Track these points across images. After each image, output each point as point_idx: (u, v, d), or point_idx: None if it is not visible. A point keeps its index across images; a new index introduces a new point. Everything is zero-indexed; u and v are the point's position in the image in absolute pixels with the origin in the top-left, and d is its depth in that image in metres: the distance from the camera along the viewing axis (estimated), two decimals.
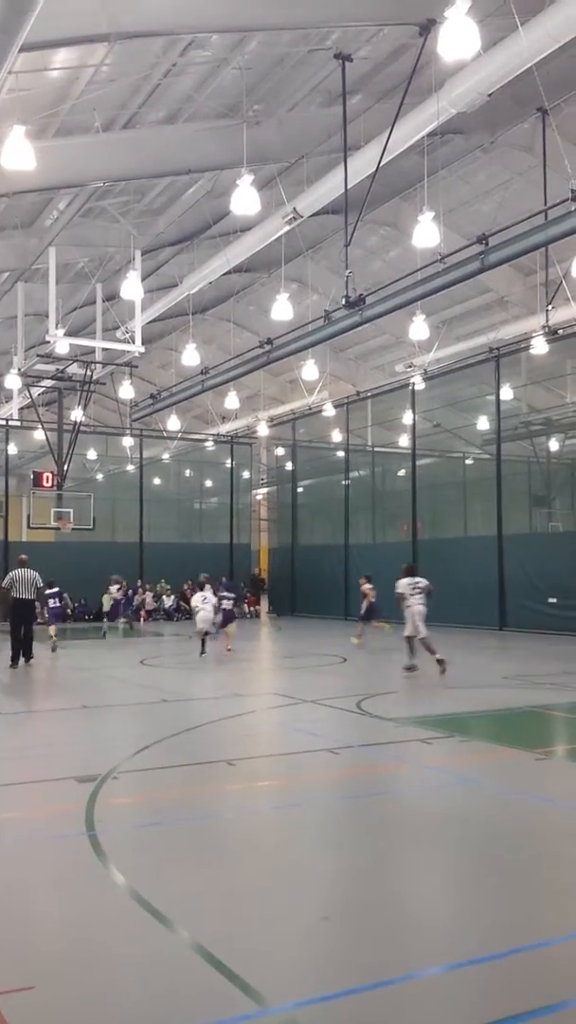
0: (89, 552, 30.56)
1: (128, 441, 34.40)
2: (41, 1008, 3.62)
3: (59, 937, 4.46)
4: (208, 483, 40.47)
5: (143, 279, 21.89)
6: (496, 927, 4.40)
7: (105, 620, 25.26)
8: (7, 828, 6.15)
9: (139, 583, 31.19)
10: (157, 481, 38.23)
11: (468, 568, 25.09)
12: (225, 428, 37.15)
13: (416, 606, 14.77)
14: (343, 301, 17.18)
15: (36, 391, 27.09)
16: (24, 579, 16.74)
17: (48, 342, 22.35)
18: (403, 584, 15.06)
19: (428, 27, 13.65)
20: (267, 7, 13.72)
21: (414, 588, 14.92)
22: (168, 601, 31.70)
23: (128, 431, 33.37)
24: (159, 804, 6.81)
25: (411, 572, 15.47)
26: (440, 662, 14.20)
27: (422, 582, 15.10)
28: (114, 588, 25.34)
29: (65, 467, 26.69)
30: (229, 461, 37.04)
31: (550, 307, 20.41)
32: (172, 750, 8.74)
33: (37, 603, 17.64)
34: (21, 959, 4.08)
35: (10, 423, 31.45)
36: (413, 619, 14.76)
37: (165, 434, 35.57)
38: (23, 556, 17.78)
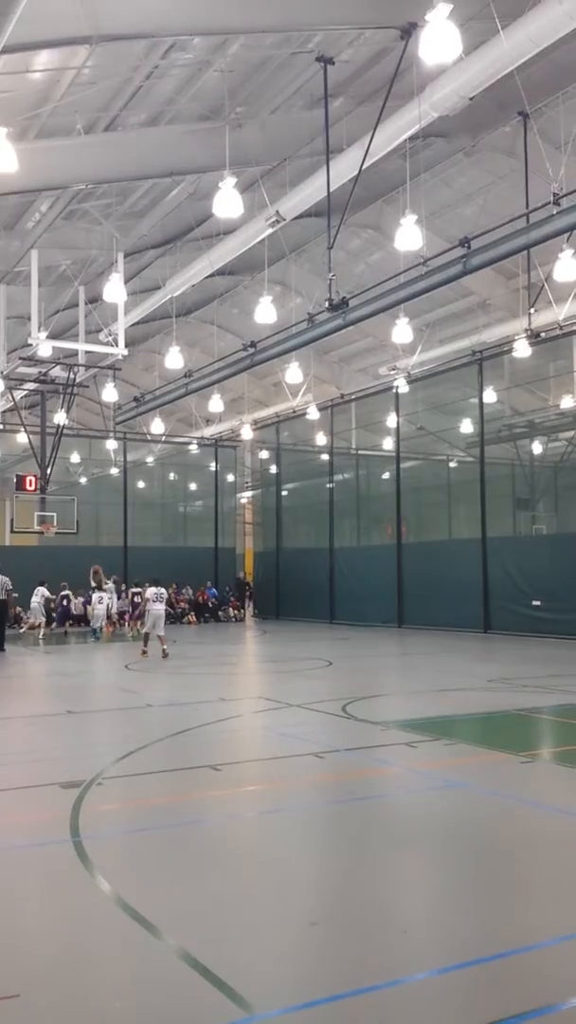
0: (73, 556, 30.42)
1: (112, 444, 34.29)
2: (26, 1016, 3.59)
3: (44, 945, 4.42)
4: (192, 486, 40.40)
5: (126, 281, 21.83)
6: (483, 931, 4.40)
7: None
8: None
9: (123, 586, 31.10)
10: (141, 484, 38.13)
11: (452, 571, 25.18)
12: (209, 431, 37.12)
13: (155, 610, 18.32)
14: (326, 304, 17.20)
15: (19, 394, 26.97)
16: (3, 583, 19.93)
17: (31, 345, 22.26)
18: (150, 592, 18.55)
19: (409, 31, 13.69)
20: (249, 10, 13.71)
21: (158, 596, 18.42)
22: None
23: (112, 434, 33.28)
24: (145, 810, 6.77)
25: (156, 583, 19.02)
26: (164, 653, 18.18)
27: (164, 593, 19.12)
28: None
29: (48, 470, 26.60)
30: (213, 464, 37.01)
31: (532, 310, 20.52)
32: (157, 755, 8.70)
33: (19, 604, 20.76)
34: (6, 967, 4.04)
35: None
36: (153, 620, 18.38)
37: (149, 437, 35.49)
38: None
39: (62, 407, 26.72)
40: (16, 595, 28.73)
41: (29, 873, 5.42)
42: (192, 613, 32.15)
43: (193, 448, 37.86)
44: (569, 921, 4.52)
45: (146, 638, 19.00)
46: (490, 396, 25.97)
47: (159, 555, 33.17)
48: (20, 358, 24.09)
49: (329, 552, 31.14)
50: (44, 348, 22.70)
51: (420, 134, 15.74)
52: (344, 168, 16.37)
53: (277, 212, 18.02)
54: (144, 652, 18.67)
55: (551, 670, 15.55)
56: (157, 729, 9.98)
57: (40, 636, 24.87)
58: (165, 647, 18.45)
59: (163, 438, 35.81)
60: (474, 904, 4.77)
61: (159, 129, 17.63)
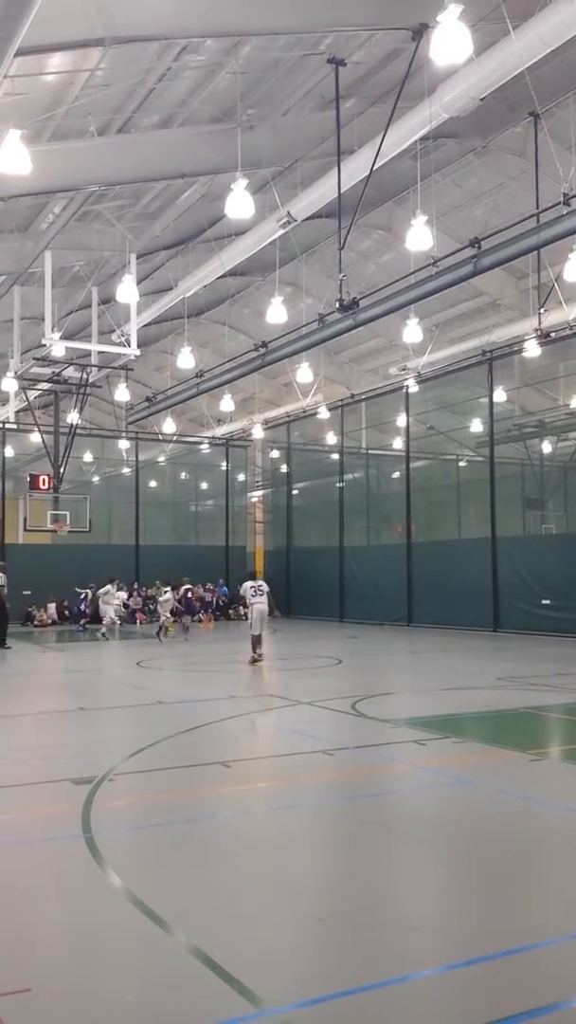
0: (85, 554, 30.59)
1: (124, 444, 34.43)
2: (38, 1010, 3.64)
3: (56, 939, 4.48)
4: (204, 485, 40.50)
5: (138, 283, 21.93)
6: (490, 928, 4.43)
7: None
8: (3, 830, 6.17)
9: (135, 585, 31.26)
10: (153, 484, 38.25)
11: (462, 570, 25.17)
12: (220, 431, 37.22)
13: (257, 605, 16.07)
14: (337, 304, 17.23)
15: (32, 394, 27.12)
16: None
17: (44, 345, 22.37)
18: (248, 587, 16.38)
19: (421, 32, 13.70)
20: (261, 12, 13.76)
21: (258, 590, 16.15)
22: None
23: (124, 434, 33.41)
24: (156, 806, 6.83)
25: (253, 576, 17.02)
26: (259, 657, 15.98)
27: (264, 586, 16.42)
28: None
29: (61, 470, 26.72)
30: (224, 464, 37.09)
31: (542, 310, 20.49)
32: (168, 752, 8.77)
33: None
34: (18, 961, 4.10)
35: (7, 426, 31.53)
36: (259, 617, 16.07)
37: (161, 437, 35.60)
38: (1, 562, 21.55)
39: (75, 407, 26.86)
40: (28, 592, 28.98)
41: (41, 868, 5.48)
42: (204, 612, 32.02)
43: (204, 448, 37.97)
44: None
45: (253, 643, 16.42)
46: (500, 396, 25.95)
47: (171, 553, 33.29)
48: (34, 358, 24.21)
49: (339, 551, 31.17)
50: (57, 348, 22.83)
51: (431, 135, 15.78)
52: (355, 169, 16.40)
53: (288, 213, 18.07)
54: (254, 659, 16.25)
55: (560, 668, 15.55)
56: (168, 726, 10.04)
57: (101, 633, 24.09)
58: (260, 650, 16.16)
59: (175, 438, 35.93)
60: (482, 901, 4.80)
61: (172, 131, 17.71)
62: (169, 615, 23.81)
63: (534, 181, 17.90)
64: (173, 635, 23.40)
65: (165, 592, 23.71)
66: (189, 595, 27.35)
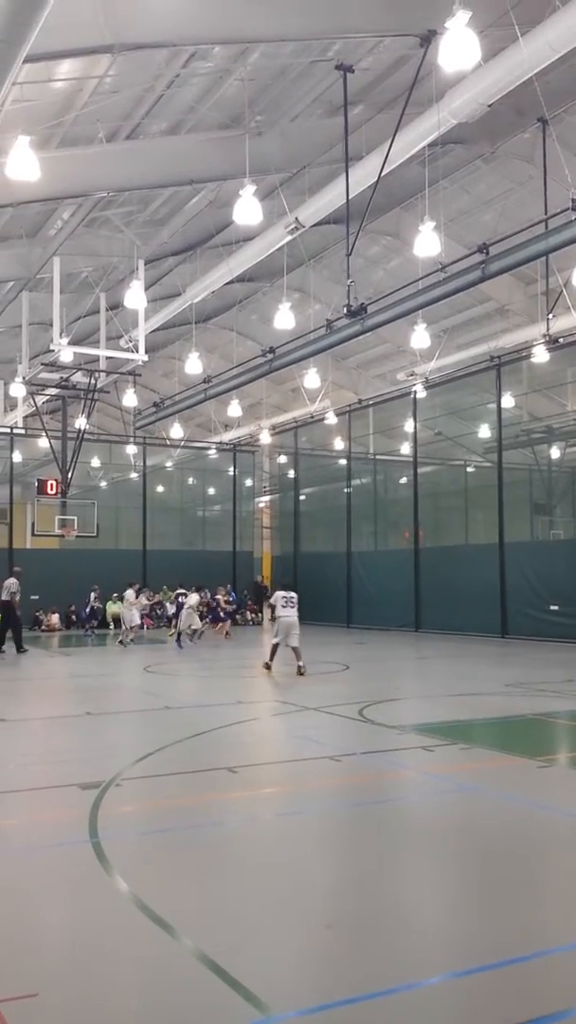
0: (93, 559, 30.64)
1: (131, 449, 34.52)
2: (44, 1015, 3.63)
3: (62, 944, 4.48)
4: (211, 491, 40.53)
5: (146, 288, 22.02)
6: (498, 936, 4.40)
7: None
8: (11, 835, 6.17)
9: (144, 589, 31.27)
10: (160, 489, 38.31)
11: (470, 575, 25.14)
12: (228, 436, 37.27)
13: (285, 617, 15.62)
14: (345, 310, 17.27)
15: (40, 399, 27.22)
16: (6, 585, 20.74)
17: (52, 351, 22.46)
18: (279, 596, 15.96)
19: (429, 38, 13.77)
20: (269, 19, 13.83)
21: (288, 601, 15.75)
22: (171, 608, 31.60)
23: (131, 439, 33.49)
24: (162, 811, 6.83)
25: (285, 587, 16.79)
26: (301, 669, 15.28)
27: (295, 597, 16.00)
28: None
29: (69, 475, 26.79)
30: (232, 469, 37.12)
31: (551, 316, 20.50)
32: (175, 757, 8.76)
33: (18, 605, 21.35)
34: (24, 966, 4.09)
35: (15, 431, 31.64)
36: (286, 628, 15.59)
37: (168, 442, 35.67)
38: (17, 568, 21.84)
39: (83, 412, 26.93)
40: (36, 597, 29.05)
41: (48, 873, 5.47)
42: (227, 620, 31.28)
43: (212, 453, 38.03)
44: None
45: (272, 650, 16.01)
46: (508, 401, 25.93)
47: (178, 558, 33.31)
48: (42, 364, 24.31)
49: (347, 556, 31.15)
50: (66, 354, 22.91)
51: (439, 141, 15.82)
52: (363, 175, 16.45)
53: (296, 219, 18.14)
54: (267, 666, 15.98)
55: (568, 675, 15.49)
56: (175, 731, 10.03)
57: (120, 641, 23.71)
58: (301, 663, 15.36)
59: (182, 443, 36.01)
60: (489, 908, 4.78)
61: (180, 137, 17.80)
62: (198, 621, 23.46)
63: (542, 187, 17.94)
64: (196, 639, 23.19)
65: (190, 595, 23.47)
66: (218, 608, 27.20)
